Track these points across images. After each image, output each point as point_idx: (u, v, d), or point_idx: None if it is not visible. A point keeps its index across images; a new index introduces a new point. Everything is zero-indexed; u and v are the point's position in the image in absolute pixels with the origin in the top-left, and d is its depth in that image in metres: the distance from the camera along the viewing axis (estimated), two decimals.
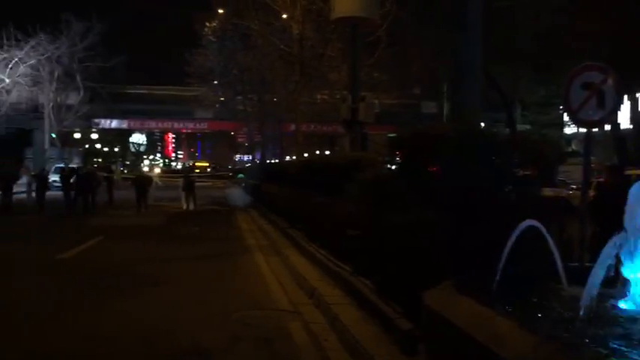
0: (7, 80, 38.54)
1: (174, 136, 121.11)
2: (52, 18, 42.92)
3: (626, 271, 3.32)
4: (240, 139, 71.78)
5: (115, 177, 30.97)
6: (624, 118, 28.61)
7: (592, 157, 7.02)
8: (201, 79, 40.67)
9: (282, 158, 34.48)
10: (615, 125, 23.82)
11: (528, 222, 3.62)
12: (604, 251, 3.15)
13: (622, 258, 3.26)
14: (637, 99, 28.93)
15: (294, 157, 28.38)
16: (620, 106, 6.01)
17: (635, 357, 2.47)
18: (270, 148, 47.35)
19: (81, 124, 50.34)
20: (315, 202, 10.19)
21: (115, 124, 58.62)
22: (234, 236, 14.74)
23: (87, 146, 61.30)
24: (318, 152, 54.98)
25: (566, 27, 22.51)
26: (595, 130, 6.51)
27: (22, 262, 10.25)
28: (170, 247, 12.40)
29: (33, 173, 24.14)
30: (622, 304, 3.33)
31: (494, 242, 3.69)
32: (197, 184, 26.01)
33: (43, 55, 40.73)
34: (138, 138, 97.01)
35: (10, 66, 38.50)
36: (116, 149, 78.89)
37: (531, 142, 5.72)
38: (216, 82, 41.38)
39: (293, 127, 29.38)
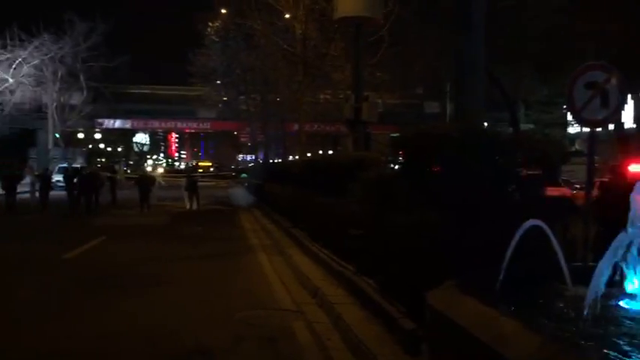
0: (11, 80, 38.64)
1: (177, 135, 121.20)
2: (56, 18, 43.09)
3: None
4: (243, 139, 71.74)
5: (118, 177, 31.01)
6: (628, 118, 28.56)
7: (596, 157, 6.98)
8: (204, 79, 40.74)
9: (285, 158, 34.45)
10: (619, 124, 23.77)
11: (532, 221, 3.62)
12: (608, 251, 3.15)
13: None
14: None
15: (297, 157, 28.35)
16: (623, 105, 5.99)
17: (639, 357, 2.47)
18: (273, 148, 47.33)
19: (84, 124, 50.49)
20: (318, 201, 10.19)
21: (118, 124, 58.73)
22: (237, 236, 14.75)
23: (90, 146, 61.32)
24: (321, 152, 55.00)
25: (569, 26, 22.47)
26: (599, 129, 6.50)
27: (26, 262, 10.27)
28: (173, 247, 12.41)
29: (36, 173, 24.19)
30: (625, 304, 3.32)
31: (498, 242, 3.69)
32: (200, 183, 26.03)
33: (46, 55, 40.83)
34: (141, 138, 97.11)
35: (13, 66, 38.59)
36: (119, 149, 78.98)
37: (535, 141, 5.71)
38: (219, 81, 41.44)
39: (296, 126, 29.36)
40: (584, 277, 3.29)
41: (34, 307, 7.11)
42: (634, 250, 3.28)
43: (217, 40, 38.17)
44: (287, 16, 24.65)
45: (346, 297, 6.80)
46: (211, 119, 58.55)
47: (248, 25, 27.66)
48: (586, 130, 6.59)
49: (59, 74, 43.47)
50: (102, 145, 65.92)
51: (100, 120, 54.10)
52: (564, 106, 29.98)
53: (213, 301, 7.54)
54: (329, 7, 18.34)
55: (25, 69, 39.28)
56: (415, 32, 24.78)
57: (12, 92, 39.41)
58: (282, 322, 6.49)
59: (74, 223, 18.07)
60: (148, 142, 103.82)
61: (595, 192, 7.83)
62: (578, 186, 18.25)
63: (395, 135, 7.38)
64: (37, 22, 40.13)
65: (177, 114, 58.81)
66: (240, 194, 32.23)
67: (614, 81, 5.66)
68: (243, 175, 49.48)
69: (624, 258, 3.26)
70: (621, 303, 3.33)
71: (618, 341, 2.68)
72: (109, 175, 27.03)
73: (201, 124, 63.93)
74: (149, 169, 66.27)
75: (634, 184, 3.50)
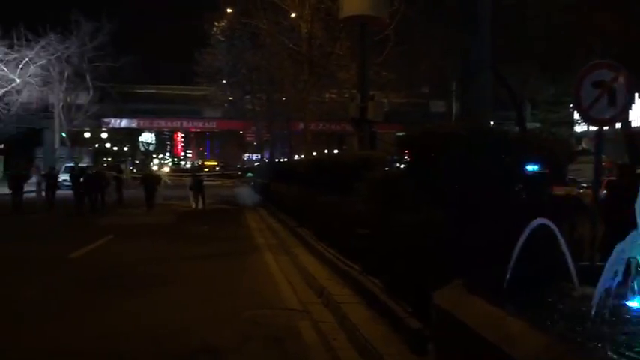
0: (18, 80, 38.77)
1: (183, 135, 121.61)
2: (62, 18, 43.18)
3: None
4: (248, 139, 71.86)
5: (124, 176, 31.08)
6: (636, 116, 28.39)
7: (603, 156, 6.96)
8: (210, 79, 40.78)
9: (290, 157, 34.50)
10: (626, 123, 23.63)
11: (539, 221, 3.60)
12: (615, 250, 3.13)
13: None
14: None
15: (302, 156, 28.38)
16: (631, 104, 5.97)
17: None
18: (279, 147, 47.40)
19: (91, 124, 50.65)
20: (324, 201, 10.19)
21: (124, 123, 58.86)
22: (243, 235, 14.77)
23: (97, 146, 61.57)
24: (326, 151, 54.99)
25: (575, 25, 22.36)
26: (606, 128, 6.47)
27: (32, 261, 10.30)
28: (179, 247, 12.44)
29: (43, 173, 24.28)
30: (632, 303, 3.31)
31: (504, 241, 3.67)
32: (206, 183, 26.06)
33: (53, 55, 40.94)
34: (147, 137, 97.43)
35: (20, 66, 38.72)
36: (125, 148, 79.19)
37: (541, 140, 5.68)
38: (224, 81, 41.46)
39: (302, 126, 29.37)
40: (591, 276, 3.28)
41: (39, 306, 7.13)
42: None
43: (223, 39, 38.18)
44: (293, 15, 24.68)
45: (352, 296, 6.80)
46: (217, 119, 58.61)
47: (254, 24, 27.70)
48: (593, 128, 6.56)
49: (66, 74, 43.62)
50: (108, 145, 66.12)
51: (106, 119, 54.25)
52: (571, 105, 29.86)
53: (219, 300, 7.55)
54: (335, 7, 18.36)
55: (32, 69, 39.40)
56: (421, 31, 24.72)
57: (19, 92, 39.54)
58: (289, 322, 6.48)
59: (80, 222, 18.14)
60: (154, 142, 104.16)
61: (602, 191, 7.81)
62: (584, 185, 18.20)
63: (401, 134, 7.39)
64: (44, 22, 40.32)
65: (183, 113, 58.95)
66: (245, 194, 32.29)
67: (621, 79, 5.64)
68: (249, 174, 49.58)
69: (632, 258, 3.24)
70: (629, 303, 3.31)
71: (626, 341, 2.66)
72: (115, 174, 27.11)
73: (207, 124, 64.02)
74: (155, 168, 66.54)
75: None
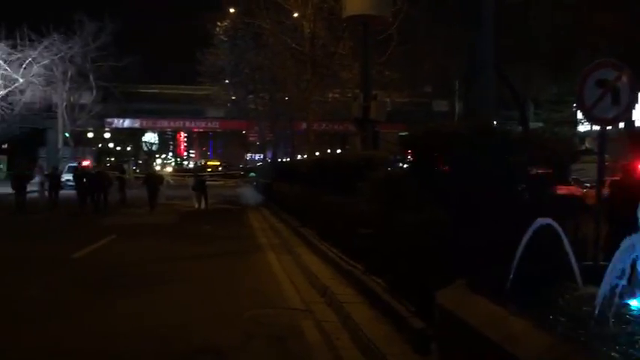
0: (21, 80, 38.85)
1: (186, 135, 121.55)
2: (65, 18, 43.32)
3: None
4: (251, 138, 71.85)
5: (127, 176, 31.13)
6: (639, 115, 28.32)
7: (606, 155, 6.94)
8: (213, 79, 40.83)
9: (293, 157, 34.48)
10: (630, 123, 23.58)
11: (542, 220, 3.59)
12: (619, 250, 3.12)
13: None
14: None
15: (305, 156, 28.36)
16: (635, 103, 5.94)
17: None
18: (282, 147, 47.40)
19: (94, 124, 50.77)
20: (327, 200, 10.18)
21: (127, 123, 58.92)
22: (245, 235, 14.77)
23: (100, 145, 61.66)
24: (329, 151, 55.00)
25: (579, 24, 22.34)
26: (609, 127, 6.46)
27: (35, 261, 10.32)
28: (182, 246, 12.45)
29: (46, 172, 24.33)
30: (634, 303, 3.30)
31: (508, 241, 3.67)
32: (208, 183, 26.07)
33: (56, 55, 41.02)
34: (150, 137, 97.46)
35: (23, 66, 38.79)
36: (128, 148, 79.29)
37: (544, 140, 5.67)
38: (227, 81, 41.51)
39: (304, 125, 29.37)
40: (595, 276, 3.27)
41: (42, 306, 7.13)
42: None
43: (226, 39, 38.25)
44: (295, 15, 24.67)
45: (355, 296, 6.79)
46: (220, 118, 58.60)
47: (256, 24, 27.71)
48: (596, 128, 6.55)
49: (69, 74, 43.72)
50: (111, 145, 66.18)
51: (109, 119, 54.38)
52: (574, 105, 29.81)
53: (222, 299, 7.56)
54: (337, 6, 18.36)
55: (35, 69, 39.47)
56: (424, 31, 24.73)
57: (22, 92, 39.62)
58: (291, 321, 6.48)
59: (83, 222, 18.16)
60: (156, 142, 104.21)
61: (605, 191, 7.79)
62: (588, 184, 18.16)
63: (404, 134, 7.37)
64: (47, 22, 40.43)
65: (186, 113, 58.93)
66: (248, 193, 32.30)
67: (625, 79, 5.62)
68: (252, 174, 49.61)
69: (636, 257, 3.23)
70: (633, 303, 3.30)
71: (629, 341, 2.65)
72: (117, 174, 27.15)
73: (209, 124, 64.01)
74: (158, 168, 66.56)
75: None
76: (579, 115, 28.92)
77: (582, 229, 5.42)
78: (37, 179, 24.57)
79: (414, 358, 4.61)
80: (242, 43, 36.06)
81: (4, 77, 38.42)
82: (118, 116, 54.88)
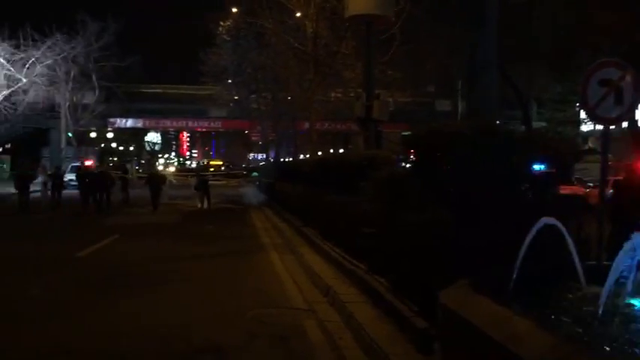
0: (24, 80, 38.92)
1: (188, 134, 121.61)
2: (68, 18, 43.39)
3: None
4: (254, 138, 71.89)
5: (129, 176, 31.17)
6: None
7: (609, 155, 6.92)
8: (216, 78, 40.86)
9: (296, 156, 34.48)
10: (633, 122, 23.53)
11: (545, 220, 3.59)
12: (623, 249, 3.11)
13: None
14: None
15: (308, 156, 28.36)
16: (638, 102, 5.93)
17: None
18: (284, 147, 47.37)
19: (97, 124, 50.87)
20: (330, 200, 10.18)
21: (130, 123, 59.03)
22: (248, 234, 14.78)
23: (102, 145, 61.75)
24: (332, 150, 54.99)
25: (582, 23, 22.30)
26: (612, 127, 6.45)
27: (39, 261, 10.35)
28: (185, 246, 12.46)
29: (49, 172, 24.39)
30: (637, 302, 3.29)
31: (511, 241, 3.66)
32: (211, 182, 26.09)
33: (59, 55, 41.09)
34: (153, 137, 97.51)
35: (27, 66, 38.86)
36: (131, 148, 79.36)
37: (547, 139, 5.66)
38: (230, 80, 41.53)
39: (307, 125, 29.37)
40: (598, 276, 3.26)
41: (45, 305, 7.15)
42: None
43: (228, 39, 38.23)
44: (298, 14, 24.67)
45: (358, 296, 6.79)
46: (222, 118, 58.66)
47: (259, 23, 27.72)
48: (599, 127, 6.54)
49: (72, 74, 43.80)
50: (114, 145, 66.26)
51: (112, 119, 54.51)
52: (577, 104, 29.77)
53: (225, 299, 7.57)
54: (340, 5, 18.34)
55: (38, 69, 39.54)
56: (427, 30, 24.72)
57: (25, 92, 39.69)
58: (294, 321, 6.49)
59: (86, 221, 18.19)
60: (159, 141, 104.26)
61: (609, 190, 7.77)
62: (591, 184, 18.13)
63: (406, 133, 7.36)
64: (50, 22, 40.50)
65: (189, 113, 59.03)
66: (251, 193, 32.31)
67: (628, 78, 5.61)
68: (254, 173, 49.63)
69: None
70: (636, 302, 3.30)
71: (633, 341, 2.65)
72: (120, 174, 27.17)
73: (212, 123, 64.06)
74: (161, 167, 66.66)
75: None
76: (582, 114, 28.88)
77: (585, 228, 5.41)
78: (39, 179, 24.62)
79: (417, 358, 4.61)
80: (244, 43, 36.07)
81: (8, 77, 38.49)
82: (121, 116, 55.01)
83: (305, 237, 12.01)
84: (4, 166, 46.99)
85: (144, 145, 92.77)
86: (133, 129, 65.60)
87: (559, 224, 3.58)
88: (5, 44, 37.59)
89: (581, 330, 2.82)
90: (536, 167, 5.20)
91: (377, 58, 18.33)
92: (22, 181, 21.46)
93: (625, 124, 20.47)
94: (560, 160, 5.39)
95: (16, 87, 38.88)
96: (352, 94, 22.83)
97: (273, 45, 28.64)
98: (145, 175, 28.11)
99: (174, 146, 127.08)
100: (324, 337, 5.83)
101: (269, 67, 32.08)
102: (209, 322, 6.42)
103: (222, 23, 37.57)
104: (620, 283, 3.07)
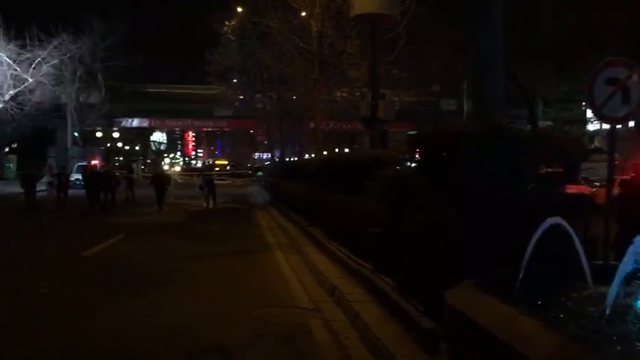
0: (31, 80, 39.07)
1: (194, 134, 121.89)
2: (74, 18, 43.51)
3: None
4: (259, 138, 72.01)
5: (135, 176, 31.26)
6: None
7: (616, 154, 6.89)
8: (221, 78, 40.86)
9: (301, 156, 34.49)
10: None
11: (552, 220, 3.58)
12: (630, 250, 3.10)
13: None
14: None
15: (313, 155, 28.36)
16: None
17: None
18: (290, 146, 47.45)
19: (102, 123, 51.09)
20: (335, 199, 10.18)
21: (136, 122, 59.17)
22: (253, 234, 14.79)
23: (108, 145, 61.94)
24: (337, 150, 54.94)
25: (589, 23, 22.22)
26: (619, 126, 6.42)
27: (45, 260, 10.36)
28: (190, 245, 12.47)
29: (55, 172, 24.49)
30: None
31: (517, 240, 3.65)
32: (216, 182, 26.10)
33: (65, 54, 41.26)
34: (158, 136, 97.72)
35: (33, 66, 39.01)
36: (137, 148, 79.55)
37: (554, 139, 5.64)
38: (235, 80, 41.54)
39: (312, 124, 29.36)
40: (605, 276, 3.25)
41: (52, 305, 7.18)
42: None
43: (234, 38, 38.26)
44: (303, 14, 24.66)
45: (364, 295, 6.79)
46: (228, 118, 58.63)
47: (264, 23, 27.68)
48: (606, 126, 6.51)
49: (78, 74, 43.99)
50: (120, 144, 66.44)
51: (118, 119, 54.65)
52: (584, 103, 29.65)
53: (231, 299, 7.57)
54: (345, 5, 18.35)
55: (45, 68, 39.69)
56: (432, 29, 24.67)
57: (32, 92, 39.84)
58: (300, 320, 6.49)
59: (92, 221, 18.24)
60: (165, 141, 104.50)
61: (615, 190, 7.74)
62: (597, 184, 18.07)
63: (412, 133, 7.35)
64: (56, 22, 40.66)
65: (194, 113, 59.07)
66: (256, 192, 32.32)
67: (635, 77, 5.58)
68: (260, 173, 49.67)
69: None
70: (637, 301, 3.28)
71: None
72: (125, 173, 27.24)
73: (217, 123, 64.11)
74: (166, 167, 66.78)
75: None
76: (589, 113, 28.76)
77: (592, 228, 5.39)
78: (45, 179, 24.72)
79: (423, 358, 4.60)
80: (250, 43, 36.07)
81: (14, 77, 38.65)
82: (127, 116, 55.17)
83: (310, 236, 12.01)
84: (11, 165, 47.18)
85: (149, 145, 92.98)
86: (138, 129, 65.78)
87: (565, 224, 3.57)
88: (12, 44, 37.73)
89: (588, 330, 2.80)
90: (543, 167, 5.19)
91: (382, 57, 18.33)
92: (29, 181, 21.56)
93: (632, 123, 20.41)
94: (566, 160, 5.37)
95: (22, 87, 39.03)
96: (357, 94, 22.82)
97: (278, 44, 28.61)
98: (150, 175, 28.18)
99: (179, 146, 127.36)
100: (330, 337, 5.82)
101: (274, 67, 32.04)
102: (215, 321, 6.42)
103: (227, 23, 37.60)
104: (630, 283, 3.05)
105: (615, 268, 3.12)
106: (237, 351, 5.47)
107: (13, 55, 38.03)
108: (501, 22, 7.93)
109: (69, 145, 45.73)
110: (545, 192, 5.25)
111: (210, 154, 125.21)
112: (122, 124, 57.30)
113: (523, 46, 21.99)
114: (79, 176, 28.58)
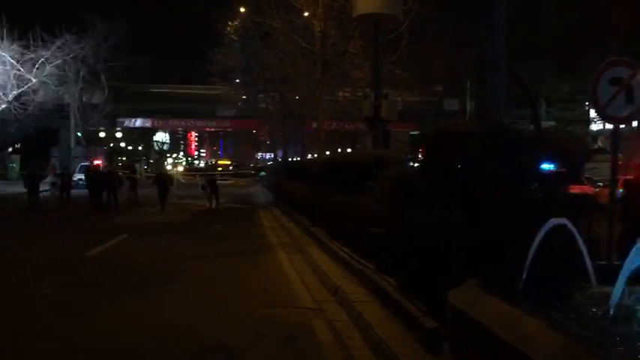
0: (34, 80, 39.12)
1: (197, 134, 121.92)
2: (77, 19, 43.59)
3: None
4: (262, 138, 72.00)
5: (138, 176, 31.29)
6: None
7: (619, 154, 6.87)
8: (224, 78, 40.87)
9: (304, 156, 34.47)
10: None
11: (555, 220, 3.57)
12: (633, 250, 3.09)
13: None
14: None
15: (316, 155, 28.34)
16: None
17: None
18: (292, 146, 47.42)
19: (105, 123, 51.17)
20: (338, 200, 10.18)
21: (139, 123, 59.28)
22: (256, 234, 14.79)
23: (111, 145, 62.02)
24: (340, 150, 54.92)
25: (591, 22, 22.18)
26: (622, 126, 6.40)
27: (48, 260, 10.38)
28: (193, 245, 12.48)
29: (59, 172, 24.55)
30: None
31: (520, 240, 3.64)
32: (219, 182, 26.13)
33: (68, 55, 41.32)
34: (161, 137, 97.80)
35: (36, 66, 39.07)
36: (140, 148, 79.62)
37: (557, 139, 5.63)
38: (238, 80, 41.55)
39: (315, 124, 29.36)
40: (609, 276, 3.24)
41: (55, 305, 7.19)
42: None
43: (236, 39, 38.27)
44: (306, 14, 24.64)
45: (366, 295, 6.79)
46: (231, 118, 58.64)
47: (267, 23, 27.68)
48: (609, 126, 6.49)
49: (81, 74, 44.06)
50: (123, 144, 66.53)
51: (120, 119, 54.74)
52: (587, 103, 29.62)
53: (233, 299, 7.57)
54: (348, 5, 18.32)
55: (48, 69, 39.74)
56: (435, 29, 24.63)
57: (35, 92, 39.89)
58: (302, 320, 6.49)
59: (95, 221, 18.27)
60: (167, 141, 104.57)
61: (619, 190, 7.72)
62: (601, 184, 18.02)
63: (415, 133, 7.35)
64: (59, 22, 40.71)
65: (197, 113, 59.11)
66: (259, 193, 32.34)
67: (639, 77, 5.56)
68: (262, 173, 49.68)
69: None
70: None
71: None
72: (128, 173, 27.27)
73: (220, 123, 64.14)
74: (169, 167, 66.84)
75: None
76: (592, 113, 28.72)
77: (595, 228, 5.38)
78: (48, 179, 24.77)
79: (426, 358, 4.60)
80: (252, 43, 36.07)
81: (18, 77, 38.70)
82: (130, 116, 55.27)
83: (313, 236, 12.01)
84: (14, 165, 47.27)
85: (152, 145, 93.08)
86: (141, 129, 65.84)
87: (569, 224, 3.56)
88: (15, 45, 37.78)
89: (591, 330, 2.80)
90: (546, 167, 5.18)
91: (385, 57, 18.31)
92: (32, 181, 21.62)
93: (635, 123, 20.37)
94: (569, 160, 5.36)
95: (25, 87, 39.10)
96: (360, 94, 22.82)
97: (280, 44, 28.59)
98: (153, 175, 28.21)
99: (182, 146, 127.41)
100: (333, 337, 5.82)
101: (277, 67, 32.02)
102: (217, 321, 6.43)
103: (230, 23, 37.61)
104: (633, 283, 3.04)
105: (619, 268, 3.11)
106: (239, 351, 5.47)
107: (16, 56, 38.08)
108: (504, 21, 7.91)
109: (72, 145, 45.80)
110: (548, 192, 5.24)
111: (212, 154, 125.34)
112: (125, 125, 57.40)
113: (523, 46, 21.94)
114: (82, 176, 28.62)
